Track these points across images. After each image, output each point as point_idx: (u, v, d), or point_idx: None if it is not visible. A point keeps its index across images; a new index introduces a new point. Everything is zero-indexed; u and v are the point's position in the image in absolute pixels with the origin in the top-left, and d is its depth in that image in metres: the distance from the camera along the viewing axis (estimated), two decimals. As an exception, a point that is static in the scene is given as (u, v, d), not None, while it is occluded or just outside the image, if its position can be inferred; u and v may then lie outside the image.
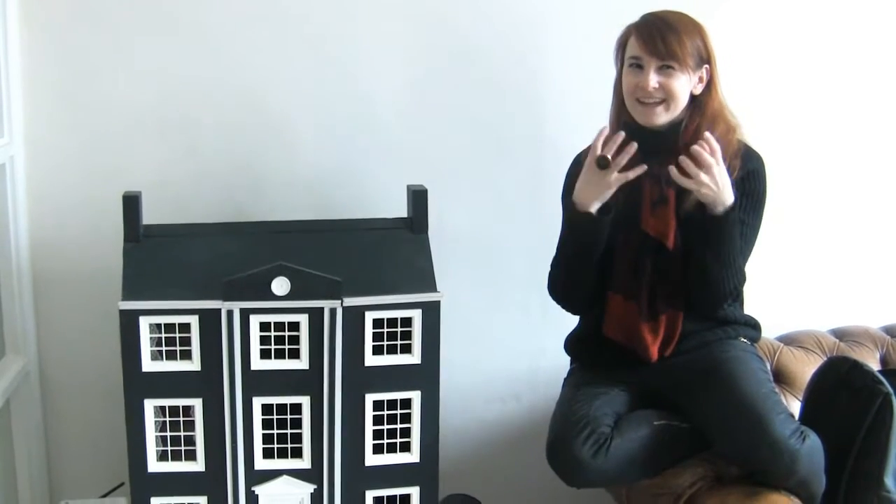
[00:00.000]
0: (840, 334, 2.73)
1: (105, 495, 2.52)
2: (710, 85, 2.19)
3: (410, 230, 2.23)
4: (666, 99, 2.15)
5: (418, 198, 2.23)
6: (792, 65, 2.73)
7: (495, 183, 2.66)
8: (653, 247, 2.21)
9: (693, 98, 2.19)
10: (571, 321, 2.43)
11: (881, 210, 2.86)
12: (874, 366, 2.51)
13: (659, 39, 2.14)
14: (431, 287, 2.15)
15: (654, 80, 2.14)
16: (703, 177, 2.08)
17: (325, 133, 2.57)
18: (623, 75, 2.22)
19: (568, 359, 2.44)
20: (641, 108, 2.18)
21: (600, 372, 2.31)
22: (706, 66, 2.18)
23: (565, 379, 2.41)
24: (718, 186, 2.10)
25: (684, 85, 2.16)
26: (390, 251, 2.20)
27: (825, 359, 2.51)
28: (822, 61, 2.75)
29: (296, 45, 2.52)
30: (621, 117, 2.23)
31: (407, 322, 2.12)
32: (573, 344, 2.43)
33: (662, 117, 2.17)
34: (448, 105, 2.60)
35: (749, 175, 2.21)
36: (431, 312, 2.13)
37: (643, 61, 2.16)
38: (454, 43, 2.58)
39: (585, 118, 2.59)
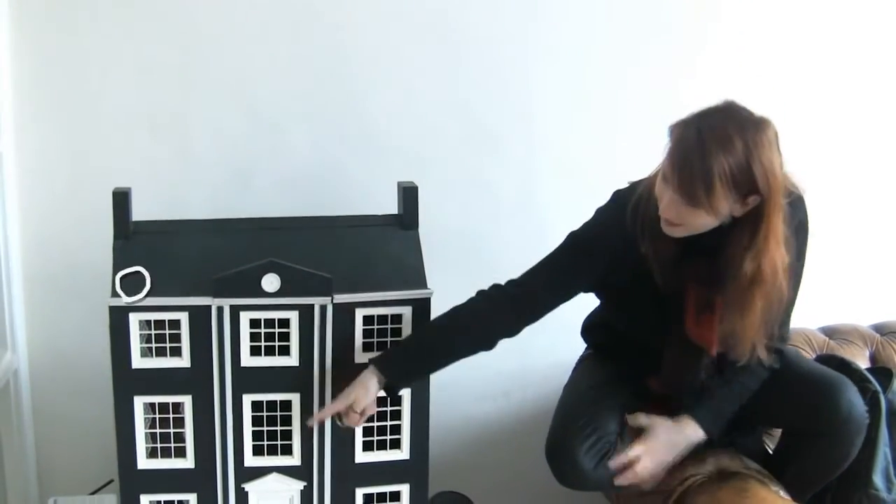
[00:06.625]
0: (830, 332, 2.73)
1: (94, 492, 2.51)
2: (757, 219, 1.87)
3: (401, 227, 2.23)
4: (685, 225, 1.91)
5: (409, 194, 2.22)
6: (780, 65, 2.73)
7: (486, 179, 2.66)
8: (696, 350, 2.08)
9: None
10: (561, 319, 2.42)
11: (871, 209, 2.87)
12: (863, 364, 2.52)
13: (687, 182, 1.82)
14: (422, 284, 2.15)
15: (671, 212, 1.89)
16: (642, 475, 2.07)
17: (316, 130, 2.57)
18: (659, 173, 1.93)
19: (554, 357, 2.43)
20: (662, 221, 1.94)
21: (619, 365, 2.24)
22: (754, 196, 1.84)
23: (578, 362, 2.35)
24: (662, 462, 2.07)
25: (709, 221, 1.88)
26: (381, 248, 2.19)
27: (814, 356, 2.52)
28: (809, 64, 2.76)
29: (286, 43, 2.52)
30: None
31: (397, 319, 2.12)
32: (593, 332, 2.34)
33: (680, 233, 1.94)
34: (439, 101, 2.60)
35: (798, 229, 2.03)
36: (421, 309, 2.13)
37: (668, 185, 1.87)
38: (445, 39, 2.58)
39: (577, 114, 2.61)
